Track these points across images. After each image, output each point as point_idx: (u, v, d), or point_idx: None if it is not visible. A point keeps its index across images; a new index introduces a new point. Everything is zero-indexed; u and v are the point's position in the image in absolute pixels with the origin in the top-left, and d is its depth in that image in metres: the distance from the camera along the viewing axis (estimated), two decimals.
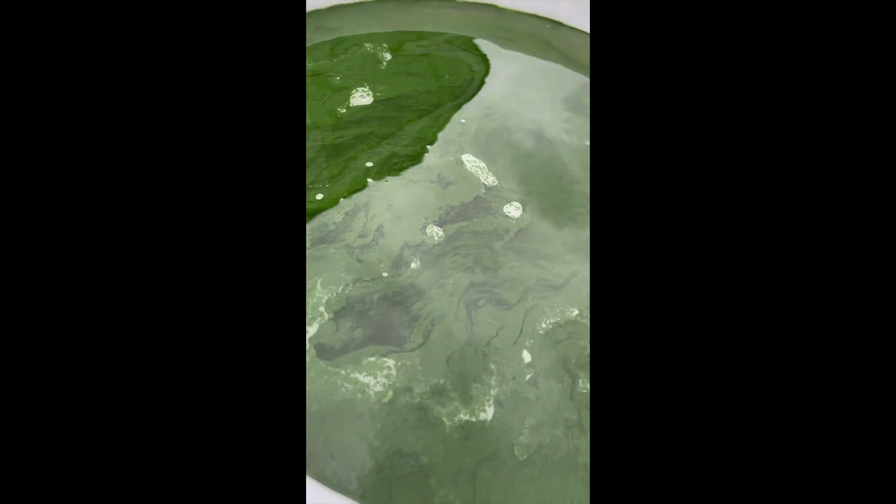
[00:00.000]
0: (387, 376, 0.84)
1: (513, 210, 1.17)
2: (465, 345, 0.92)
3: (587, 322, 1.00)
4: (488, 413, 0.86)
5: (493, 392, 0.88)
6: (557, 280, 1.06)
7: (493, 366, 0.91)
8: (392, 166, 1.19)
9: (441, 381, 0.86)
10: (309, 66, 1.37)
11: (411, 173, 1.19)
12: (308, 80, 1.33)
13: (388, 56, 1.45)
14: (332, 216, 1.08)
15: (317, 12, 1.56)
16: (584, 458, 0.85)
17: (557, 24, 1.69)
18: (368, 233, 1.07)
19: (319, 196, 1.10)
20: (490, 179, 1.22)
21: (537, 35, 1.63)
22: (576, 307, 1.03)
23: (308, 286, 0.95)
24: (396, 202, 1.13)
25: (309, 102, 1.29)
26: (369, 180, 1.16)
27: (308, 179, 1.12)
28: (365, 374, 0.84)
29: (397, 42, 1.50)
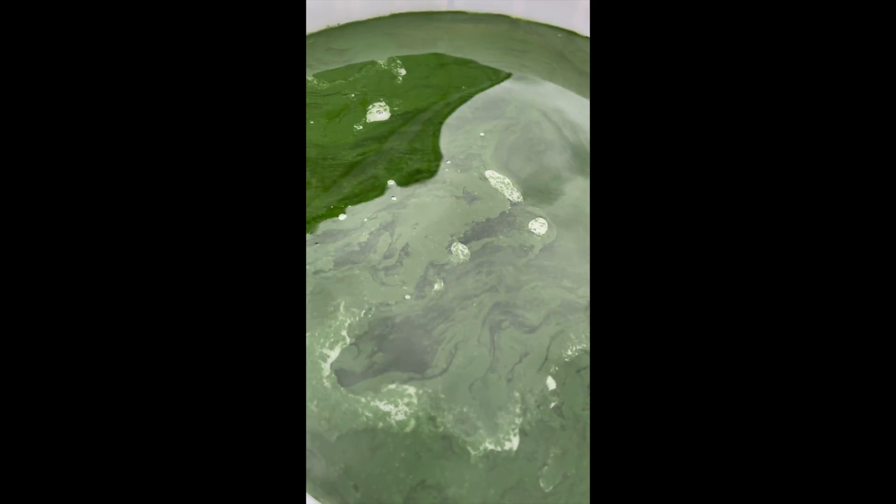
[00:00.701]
0: (408, 404, 0.83)
1: (538, 227, 1.15)
2: (489, 371, 0.90)
3: None
4: (514, 443, 0.84)
5: (518, 421, 0.86)
6: (582, 302, 1.03)
7: (517, 394, 0.89)
8: (415, 182, 1.17)
9: (465, 410, 0.84)
10: (324, 86, 1.35)
11: (436, 189, 1.18)
12: (323, 100, 1.32)
13: (403, 71, 1.43)
14: (357, 236, 1.06)
15: (327, 33, 1.54)
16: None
17: (571, 35, 1.67)
18: (394, 252, 1.05)
19: (343, 217, 1.09)
20: (515, 195, 1.20)
21: (551, 46, 1.61)
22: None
23: (331, 309, 0.93)
24: (422, 220, 1.11)
25: (324, 122, 1.27)
26: (394, 198, 1.14)
27: (330, 200, 1.10)
28: (385, 402, 0.82)
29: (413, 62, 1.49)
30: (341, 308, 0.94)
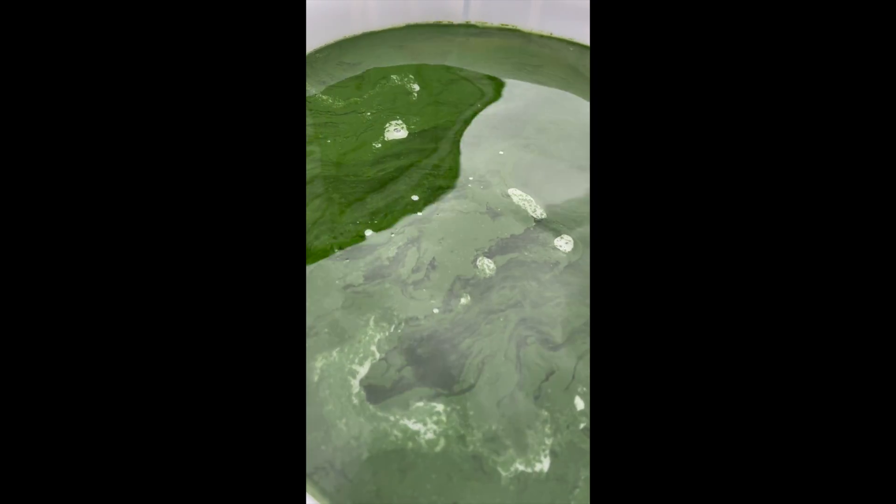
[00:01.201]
0: (437, 423, 0.81)
1: (563, 244, 1.14)
2: (516, 388, 0.89)
3: None
4: (544, 464, 0.82)
5: (548, 441, 0.85)
6: None
7: (545, 412, 0.87)
8: (439, 199, 1.17)
9: (493, 427, 0.83)
10: (339, 104, 1.35)
11: (459, 205, 1.17)
12: (339, 119, 1.32)
13: (416, 87, 1.44)
14: (385, 251, 1.06)
15: (337, 45, 1.54)
16: None
17: (585, 49, 1.67)
18: (421, 267, 1.04)
19: (369, 232, 1.08)
20: (538, 212, 1.19)
21: (564, 60, 1.61)
22: None
23: (362, 323, 0.93)
24: (447, 235, 1.11)
25: (342, 139, 1.27)
26: (419, 214, 1.14)
27: (354, 216, 1.10)
28: (414, 420, 0.81)
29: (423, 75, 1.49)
30: (371, 323, 0.93)
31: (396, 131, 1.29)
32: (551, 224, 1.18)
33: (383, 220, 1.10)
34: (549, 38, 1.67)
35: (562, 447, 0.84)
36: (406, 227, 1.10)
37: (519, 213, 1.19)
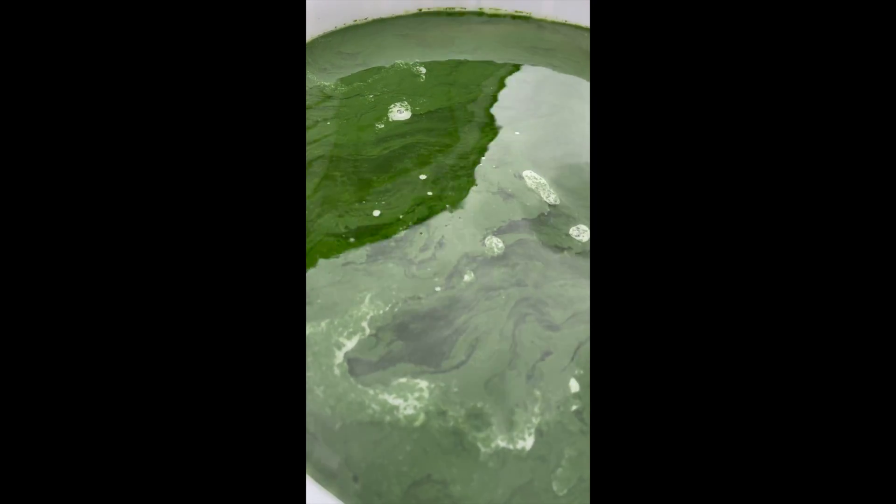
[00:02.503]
0: (418, 399, 0.82)
1: (578, 233, 1.11)
2: (509, 367, 0.88)
3: None
4: (528, 442, 0.81)
5: (535, 420, 0.83)
6: None
7: (537, 392, 0.86)
8: (449, 178, 1.17)
9: (479, 405, 0.83)
10: (342, 89, 1.36)
11: (471, 185, 1.17)
12: (341, 104, 1.32)
13: (423, 70, 1.43)
14: (394, 231, 1.07)
15: (337, 35, 1.54)
16: None
17: None
18: (430, 246, 1.04)
19: (377, 212, 1.09)
20: (552, 197, 1.17)
21: (577, 45, 1.57)
22: None
23: (357, 299, 0.94)
24: (457, 213, 1.10)
25: (343, 122, 1.27)
26: (429, 193, 1.14)
27: (360, 195, 1.11)
28: (395, 395, 0.82)
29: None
30: (367, 300, 0.94)
31: (400, 113, 1.29)
32: (565, 209, 1.16)
33: (392, 199, 1.11)
34: (564, 24, 1.64)
35: (549, 427, 0.83)
36: (417, 206, 1.11)
37: (532, 196, 1.17)
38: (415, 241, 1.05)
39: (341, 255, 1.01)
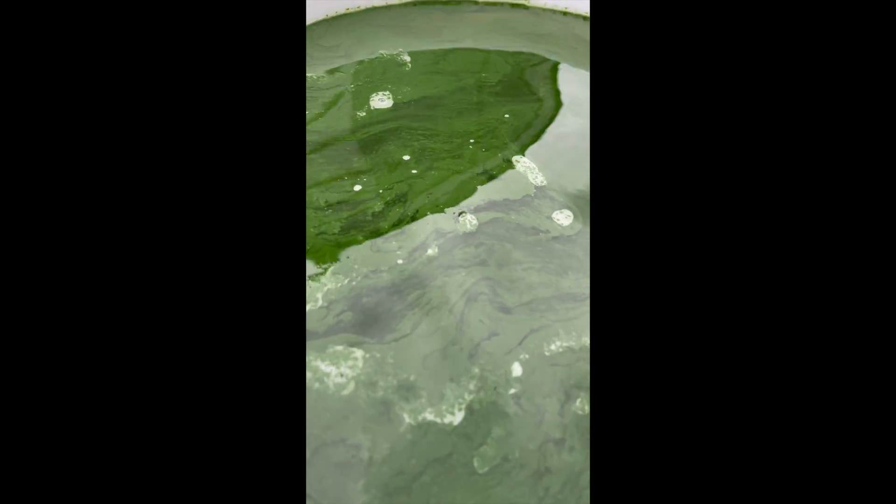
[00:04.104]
0: (351, 367, 0.85)
1: (562, 218, 1.11)
2: (451, 343, 0.90)
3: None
4: (456, 417, 0.83)
5: (468, 397, 0.85)
6: (583, 300, 0.99)
7: (476, 370, 0.88)
8: (431, 159, 1.18)
9: (412, 378, 0.85)
10: (323, 80, 1.35)
11: (455, 165, 1.18)
12: (320, 94, 1.32)
13: (407, 59, 1.43)
14: (372, 205, 1.10)
15: (314, 28, 1.51)
16: (558, 479, 0.80)
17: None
18: (403, 220, 1.07)
19: (358, 187, 1.13)
20: (539, 179, 1.17)
21: (574, 33, 1.52)
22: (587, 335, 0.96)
23: (318, 270, 0.98)
24: (437, 190, 1.12)
25: (322, 111, 1.27)
26: (413, 171, 1.16)
27: (340, 174, 1.14)
28: (328, 363, 0.85)
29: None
30: (328, 273, 0.98)
31: (381, 101, 1.30)
32: (551, 192, 1.15)
33: (373, 178, 1.14)
34: (556, 11, 1.59)
35: (481, 405, 0.85)
36: (397, 182, 1.13)
37: (519, 178, 1.17)
38: (389, 216, 1.08)
39: (316, 226, 1.05)
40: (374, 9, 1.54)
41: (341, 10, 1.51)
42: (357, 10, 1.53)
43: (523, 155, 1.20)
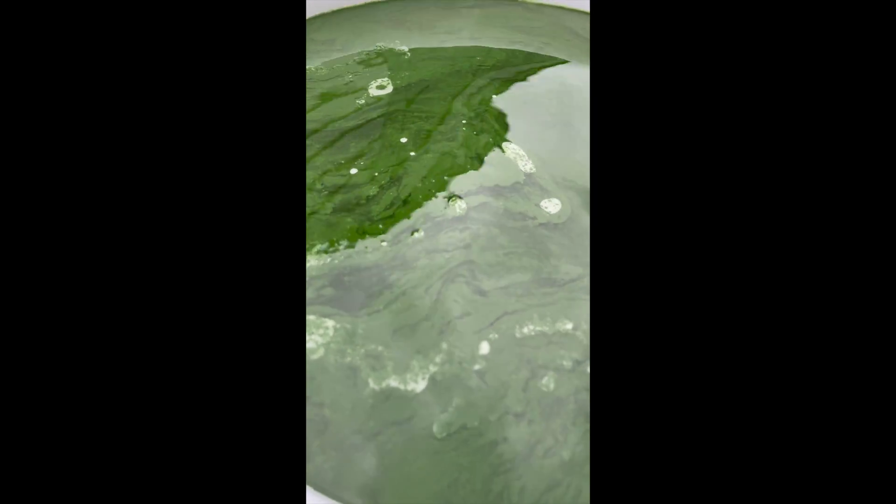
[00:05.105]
0: (322, 335, 0.90)
1: (551, 206, 1.14)
2: (423, 319, 0.94)
3: (583, 338, 0.96)
4: (419, 385, 0.88)
5: (433, 368, 0.90)
6: (563, 287, 1.02)
7: (444, 345, 0.92)
8: (428, 142, 1.23)
9: (380, 348, 0.90)
10: (322, 72, 1.39)
11: (450, 148, 1.22)
12: (318, 85, 1.35)
13: (405, 48, 1.45)
14: (367, 189, 1.15)
15: (311, 22, 1.53)
16: (513, 448, 0.84)
17: (586, 15, 1.57)
18: (395, 203, 1.12)
19: (354, 171, 1.18)
20: (528, 167, 1.20)
21: (568, 27, 1.53)
22: (570, 321, 0.98)
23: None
24: (431, 174, 1.16)
25: (320, 101, 1.31)
26: (412, 154, 1.21)
27: (338, 157, 1.20)
28: None
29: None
30: (313, 251, 1.04)
31: (381, 89, 1.34)
32: (540, 179, 1.19)
33: (369, 161, 1.19)
34: (547, 6, 1.61)
35: (445, 377, 0.89)
36: (392, 166, 1.18)
37: (510, 164, 1.21)
38: (382, 199, 1.13)
39: (310, 206, 1.11)
40: (370, 4, 1.59)
41: (335, 7, 1.55)
42: (352, 6, 1.58)
43: (513, 142, 1.23)
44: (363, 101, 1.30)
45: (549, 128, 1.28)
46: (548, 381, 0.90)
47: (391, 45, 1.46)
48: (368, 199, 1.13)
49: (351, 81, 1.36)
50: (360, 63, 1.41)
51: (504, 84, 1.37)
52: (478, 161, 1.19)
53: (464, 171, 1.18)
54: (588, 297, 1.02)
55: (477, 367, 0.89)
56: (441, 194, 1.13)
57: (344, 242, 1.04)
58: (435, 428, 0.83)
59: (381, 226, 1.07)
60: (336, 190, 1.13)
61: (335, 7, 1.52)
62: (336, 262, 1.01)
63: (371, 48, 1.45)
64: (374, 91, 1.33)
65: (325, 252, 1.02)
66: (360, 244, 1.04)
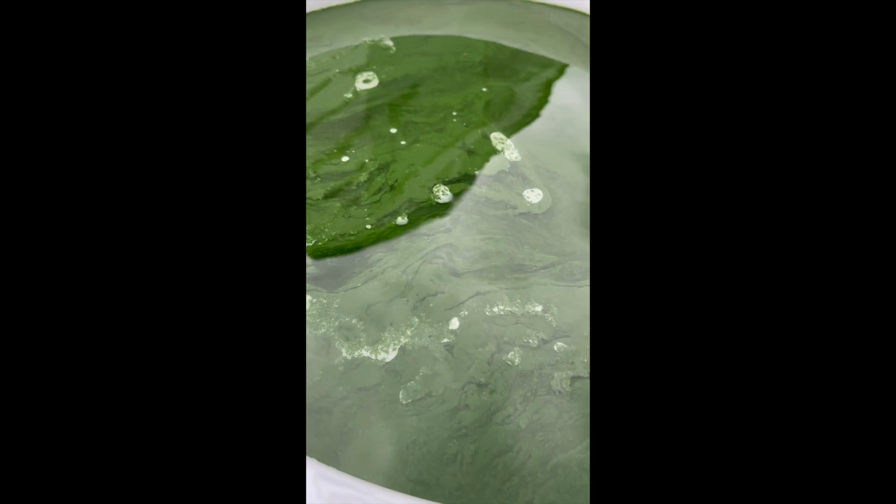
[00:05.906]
0: None
1: (533, 196, 1.19)
2: (398, 296, 1.01)
3: (552, 319, 1.01)
4: (389, 355, 0.94)
5: (403, 340, 0.96)
6: (537, 273, 1.07)
7: (416, 319, 0.98)
8: (417, 132, 1.29)
9: (353, 321, 0.97)
10: (310, 66, 1.43)
11: (438, 138, 1.28)
12: (307, 79, 1.39)
13: (391, 43, 1.50)
14: (358, 177, 1.22)
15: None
16: (473, 415, 0.89)
17: (584, 16, 1.60)
18: (382, 189, 1.19)
19: (345, 158, 1.25)
20: (514, 155, 1.25)
21: (560, 27, 1.57)
22: (540, 304, 1.03)
23: None
24: (418, 162, 1.22)
25: (308, 96, 1.36)
26: (403, 142, 1.27)
27: (329, 147, 1.27)
28: None
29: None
30: None
31: (367, 83, 1.40)
32: (524, 169, 1.24)
33: (360, 151, 1.26)
34: (541, 4, 1.64)
35: (414, 348, 0.95)
36: (382, 154, 1.25)
37: (494, 155, 1.26)
38: (371, 186, 1.20)
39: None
40: (359, 3, 1.65)
41: (325, 6, 1.60)
42: (340, 4, 1.63)
43: (500, 132, 1.29)
44: (350, 95, 1.37)
45: (535, 119, 1.33)
46: (513, 356, 0.95)
47: (377, 41, 1.52)
48: (359, 185, 1.19)
49: (338, 75, 1.42)
50: (346, 58, 1.48)
51: (491, 78, 1.43)
52: (464, 151, 1.25)
53: (450, 160, 1.24)
54: (559, 284, 1.06)
55: (445, 340, 0.95)
56: (425, 181, 1.19)
57: (329, 226, 1.11)
58: (401, 395, 0.89)
59: (366, 209, 1.14)
60: (327, 177, 1.20)
61: (324, 5, 1.59)
62: (320, 244, 1.08)
63: (357, 43, 1.52)
64: (360, 85, 1.40)
65: (312, 234, 1.09)
66: (345, 227, 1.10)
